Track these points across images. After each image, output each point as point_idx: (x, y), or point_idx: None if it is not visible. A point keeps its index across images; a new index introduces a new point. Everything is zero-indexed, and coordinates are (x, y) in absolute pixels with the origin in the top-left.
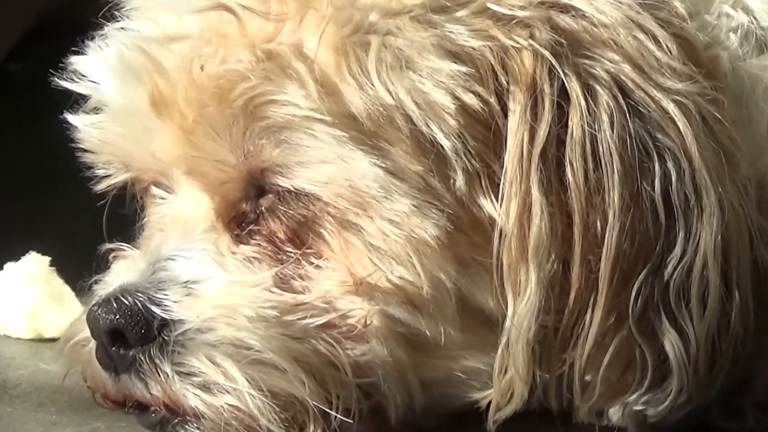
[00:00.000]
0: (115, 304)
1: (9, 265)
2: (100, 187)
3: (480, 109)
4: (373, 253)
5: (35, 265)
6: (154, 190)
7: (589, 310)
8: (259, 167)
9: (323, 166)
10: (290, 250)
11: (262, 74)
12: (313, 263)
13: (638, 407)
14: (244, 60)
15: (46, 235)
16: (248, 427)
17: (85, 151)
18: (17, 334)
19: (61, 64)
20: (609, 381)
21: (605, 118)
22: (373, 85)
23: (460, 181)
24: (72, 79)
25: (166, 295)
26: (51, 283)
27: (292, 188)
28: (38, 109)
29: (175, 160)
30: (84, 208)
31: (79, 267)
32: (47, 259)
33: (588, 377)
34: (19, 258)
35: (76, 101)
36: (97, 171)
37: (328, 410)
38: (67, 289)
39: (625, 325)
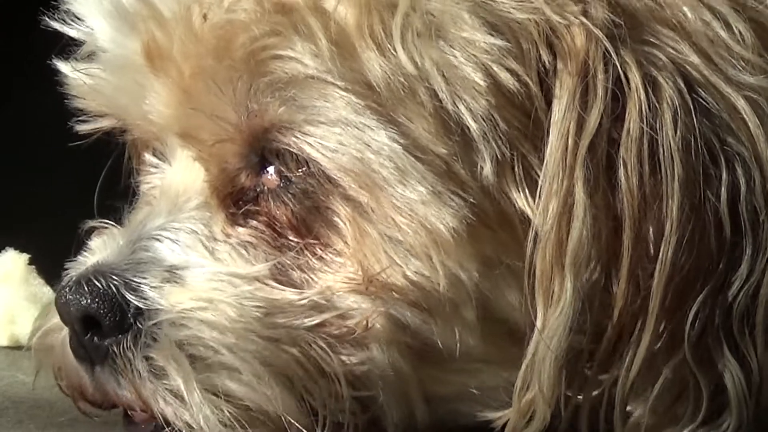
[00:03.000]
0: (86, 287)
1: None
2: (83, 128)
3: (516, 90)
4: (388, 244)
5: (12, 263)
6: (147, 157)
7: (636, 332)
8: (262, 128)
9: (334, 128)
10: (292, 238)
11: (269, 27)
12: (316, 254)
13: None
14: (249, 9)
15: (24, 229)
16: None
17: (73, 96)
18: None
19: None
20: (656, 412)
21: (668, 116)
22: (395, 51)
23: (487, 169)
24: (64, 21)
25: (145, 278)
26: (30, 283)
27: (295, 149)
28: (15, 86)
29: (169, 122)
30: (68, 197)
31: (61, 265)
32: (25, 256)
33: (629, 407)
34: None
35: (65, 47)
36: (83, 114)
37: (313, 425)
38: (48, 290)
39: (679, 351)
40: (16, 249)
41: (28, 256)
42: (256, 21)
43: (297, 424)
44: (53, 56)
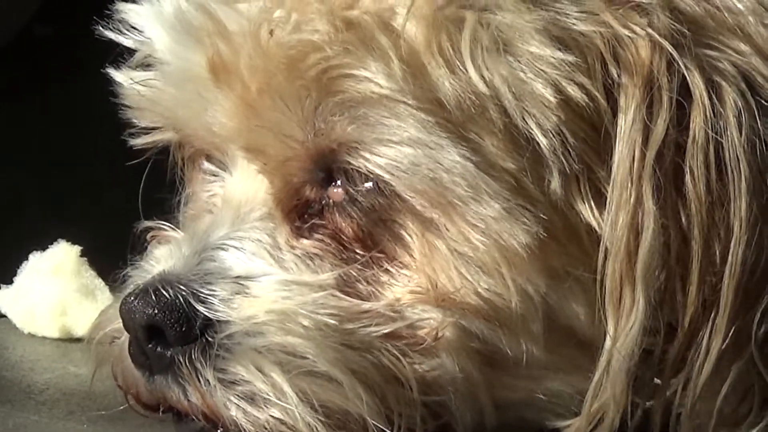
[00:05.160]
0: (153, 297)
1: (35, 256)
2: (138, 142)
3: (585, 104)
4: (459, 260)
5: (64, 255)
6: (205, 164)
7: (706, 335)
8: (329, 147)
9: (406, 148)
10: (358, 250)
11: (341, 46)
12: (382, 267)
13: None
14: (321, 29)
15: (76, 220)
16: None
17: (128, 107)
18: (44, 333)
19: (101, 24)
20: (722, 413)
21: (732, 119)
22: (465, 69)
23: (555, 183)
24: (120, 30)
25: (213, 290)
26: (82, 275)
27: (364, 170)
28: (67, 77)
29: (233, 135)
30: (120, 189)
31: (113, 258)
32: (77, 248)
33: (697, 407)
34: (46, 247)
35: (118, 57)
36: (137, 127)
37: (388, 430)
38: (99, 282)
39: (746, 351)
40: (68, 240)
41: (80, 247)
42: (328, 41)
43: (380, 426)
44: (107, 65)
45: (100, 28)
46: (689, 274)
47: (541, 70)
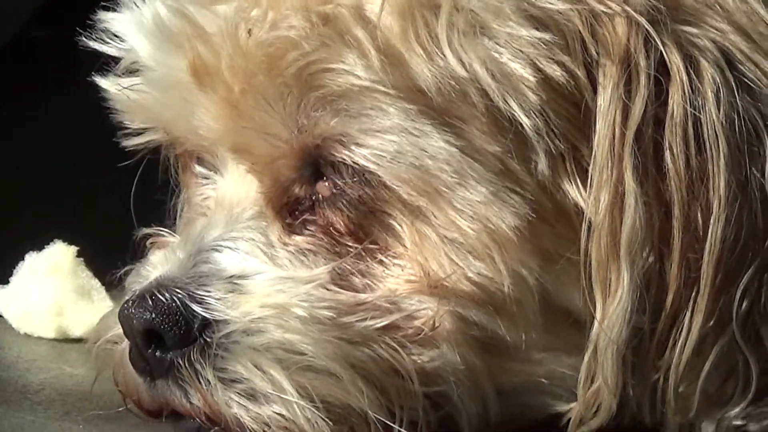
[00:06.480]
0: (150, 302)
1: (31, 256)
2: (130, 143)
3: (565, 83)
4: (449, 246)
5: (60, 255)
6: (197, 168)
7: (688, 313)
8: (314, 143)
9: (390, 136)
10: (350, 243)
11: (318, 41)
12: (376, 258)
13: (738, 422)
14: (297, 25)
15: (73, 221)
16: None
17: (118, 110)
18: (40, 333)
19: (84, 34)
20: (705, 392)
21: (710, 95)
22: (443, 54)
23: (542, 164)
24: (102, 40)
25: (209, 291)
26: (78, 276)
27: (350, 162)
28: (65, 80)
29: (219, 137)
30: (117, 190)
31: (110, 258)
32: (74, 248)
33: (681, 388)
34: (43, 247)
35: (105, 64)
36: (129, 128)
37: (390, 423)
38: (96, 282)
39: (728, 330)
40: (64, 241)
41: (76, 248)
42: (305, 36)
43: (382, 419)
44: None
45: (84, 38)
46: (671, 251)
47: (519, 50)
